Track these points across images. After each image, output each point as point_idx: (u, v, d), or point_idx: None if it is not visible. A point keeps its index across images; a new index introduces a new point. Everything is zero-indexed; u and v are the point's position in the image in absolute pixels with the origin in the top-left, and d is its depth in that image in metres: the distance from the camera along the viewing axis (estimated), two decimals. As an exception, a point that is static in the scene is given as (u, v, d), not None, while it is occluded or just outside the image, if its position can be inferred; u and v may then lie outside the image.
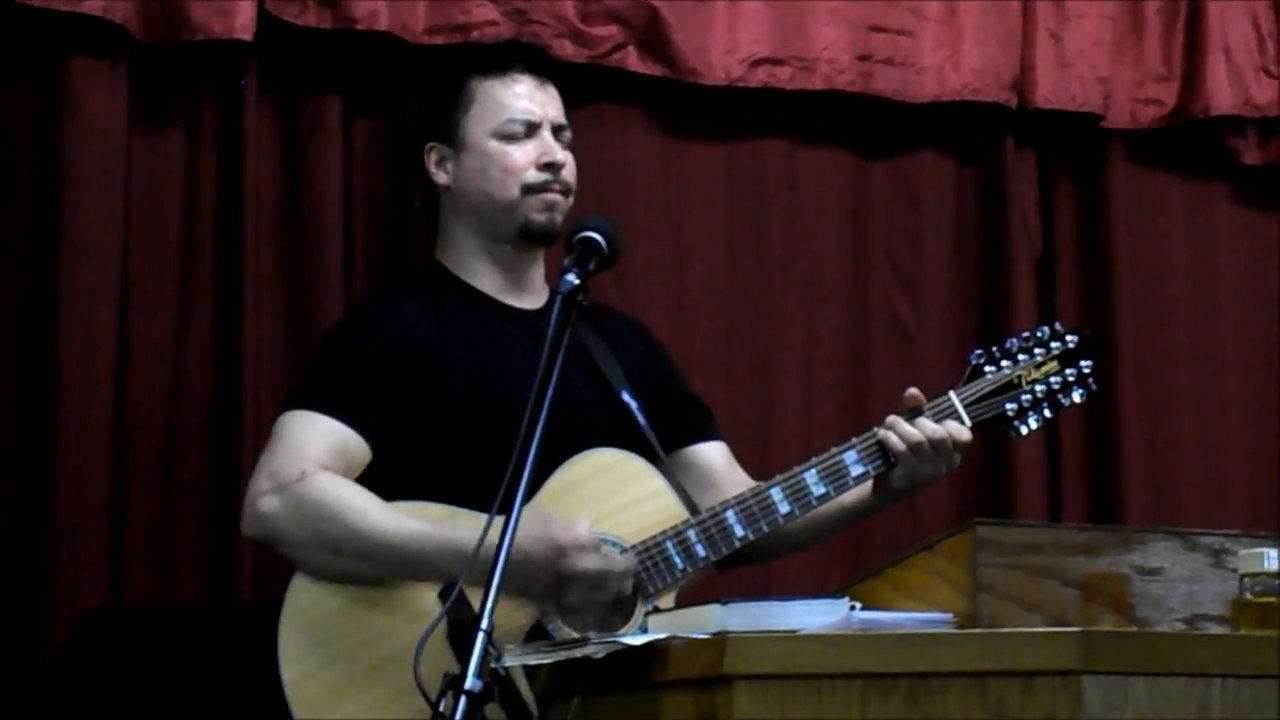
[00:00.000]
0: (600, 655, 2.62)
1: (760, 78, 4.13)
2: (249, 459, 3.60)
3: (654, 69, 4.06)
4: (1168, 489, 4.40)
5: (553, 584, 3.13)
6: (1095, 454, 4.37)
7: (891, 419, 3.32)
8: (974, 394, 3.36)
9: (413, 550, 3.13)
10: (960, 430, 3.31)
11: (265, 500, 3.17)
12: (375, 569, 3.14)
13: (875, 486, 3.36)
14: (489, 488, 2.87)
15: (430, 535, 3.13)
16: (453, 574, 2.96)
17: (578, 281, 2.99)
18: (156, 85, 3.80)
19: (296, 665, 3.12)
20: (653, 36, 4.04)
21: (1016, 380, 3.38)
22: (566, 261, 3.05)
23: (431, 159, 3.49)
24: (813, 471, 3.30)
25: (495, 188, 3.42)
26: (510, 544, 2.71)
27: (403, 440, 3.27)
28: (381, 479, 3.24)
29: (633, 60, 4.04)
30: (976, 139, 4.34)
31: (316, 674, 3.11)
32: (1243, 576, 2.69)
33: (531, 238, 3.43)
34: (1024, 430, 3.39)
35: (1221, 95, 4.36)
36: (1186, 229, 4.49)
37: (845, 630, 2.59)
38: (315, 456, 3.19)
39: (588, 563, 3.14)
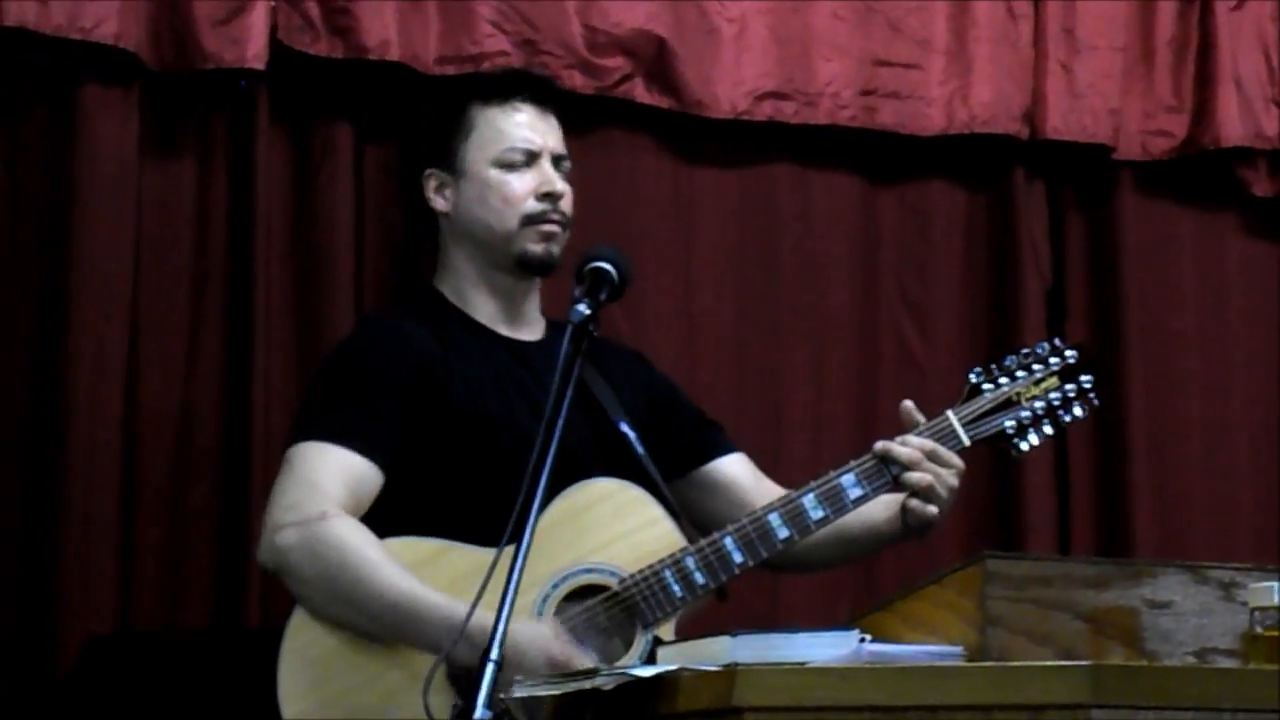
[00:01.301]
0: (609, 687, 2.61)
1: (765, 111, 4.13)
2: (258, 484, 3.62)
3: (661, 101, 4.06)
4: (1176, 518, 4.39)
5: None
6: (1104, 483, 4.36)
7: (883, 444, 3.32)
8: (972, 412, 3.36)
9: (411, 615, 3.10)
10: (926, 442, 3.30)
11: (285, 534, 3.16)
12: (371, 625, 3.13)
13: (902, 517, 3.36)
14: (487, 515, 2.88)
15: (426, 603, 3.10)
16: (442, 646, 2.95)
17: (589, 312, 3.00)
18: (168, 112, 3.81)
19: (295, 705, 3.11)
20: (660, 68, 4.05)
21: (1015, 397, 3.38)
22: (577, 292, 3.06)
23: (431, 186, 3.49)
24: (811, 496, 3.30)
25: (494, 217, 3.43)
26: (518, 583, 2.72)
27: (408, 464, 3.27)
28: (382, 503, 3.25)
29: (640, 91, 4.05)
30: (987, 169, 4.34)
31: (316, 713, 3.11)
32: (1253, 610, 2.68)
33: (528, 269, 3.43)
34: (1024, 447, 3.39)
35: (1232, 127, 4.36)
36: (1196, 260, 4.48)
37: (855, 663, 2.59)
38: (334, 494, 3.18)
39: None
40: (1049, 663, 2.60)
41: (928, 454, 3.29)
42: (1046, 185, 4.39)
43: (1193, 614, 2.79)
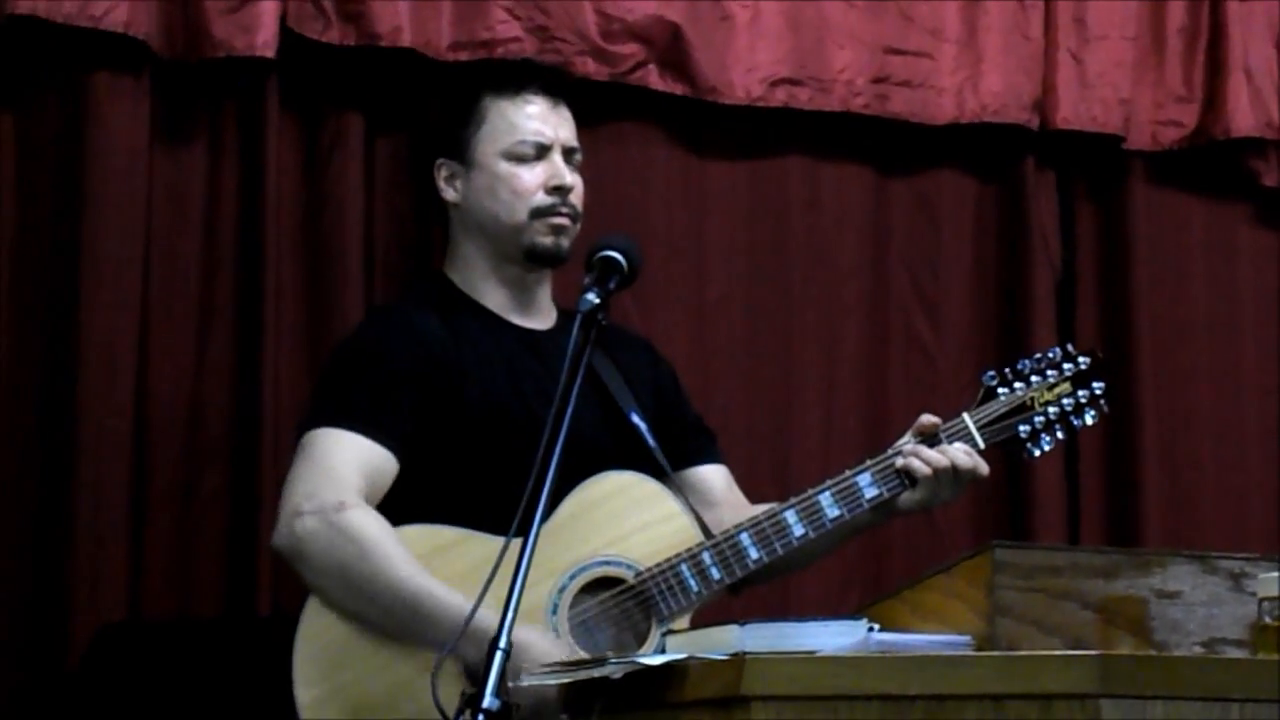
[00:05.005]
0: (618, 675, 2.62)
1: (779, 98, 4.13)
2: (269, 473, 3.62)
3: (674, 87, 4.06)
4: (1186, 509, 4.40)
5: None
6: (1114, 474, 4.36)
7: (912, 446, 3.32)
8: (987, 416, 3.37)
9: (422, 612, 3.10)
10: (983, 465, 3.32)
11: (304, 521, 3.16)
12: (383, 619, 3.13)
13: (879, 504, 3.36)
14: (501, 503, 2.87)
15: (439, 601, 3.10)
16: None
17: (598, 301, 3.00)
18: (178, 101, 3.81)
19: (310, 689, 3.12)
20: (674, 55, 4.04)
21: (1029, 402, 3.39)
22: (586, 280, 3.05)
23: (441, 175, 3.49)
24: (827, 494, 3.30)
25: (503, 209, 3.42)
26: (527, 570, 2.72)
27: (420, 452, 3.27)
28: (396, 491, 3.25)
29: (654, 79, 4.05)
30: (997, 159, 4.34)
31: (330, 699, 3.12)
32: (1261, 600, 2.69)
33: (537, 261, 3.43)
34: (1037, 453, 3.41)
35: (1242, 117, 4.36)
36: (1206, 250, 4.48)
37: (863, 652, 2.60)
38: (352, 482, 3.18)
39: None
40: (1058, 652, 2.60)
41: (957, 472, 3.30)
42: (1057, 175, 4.39)
43: (1201, 604, 2.79)
